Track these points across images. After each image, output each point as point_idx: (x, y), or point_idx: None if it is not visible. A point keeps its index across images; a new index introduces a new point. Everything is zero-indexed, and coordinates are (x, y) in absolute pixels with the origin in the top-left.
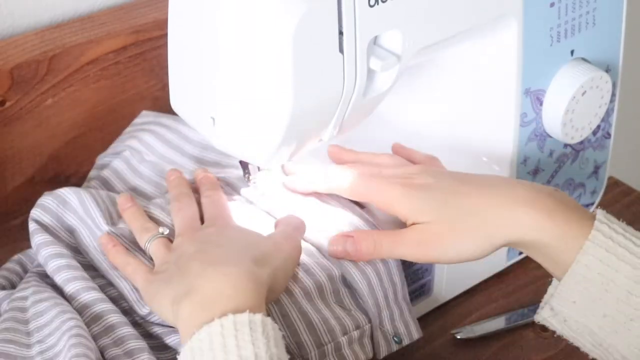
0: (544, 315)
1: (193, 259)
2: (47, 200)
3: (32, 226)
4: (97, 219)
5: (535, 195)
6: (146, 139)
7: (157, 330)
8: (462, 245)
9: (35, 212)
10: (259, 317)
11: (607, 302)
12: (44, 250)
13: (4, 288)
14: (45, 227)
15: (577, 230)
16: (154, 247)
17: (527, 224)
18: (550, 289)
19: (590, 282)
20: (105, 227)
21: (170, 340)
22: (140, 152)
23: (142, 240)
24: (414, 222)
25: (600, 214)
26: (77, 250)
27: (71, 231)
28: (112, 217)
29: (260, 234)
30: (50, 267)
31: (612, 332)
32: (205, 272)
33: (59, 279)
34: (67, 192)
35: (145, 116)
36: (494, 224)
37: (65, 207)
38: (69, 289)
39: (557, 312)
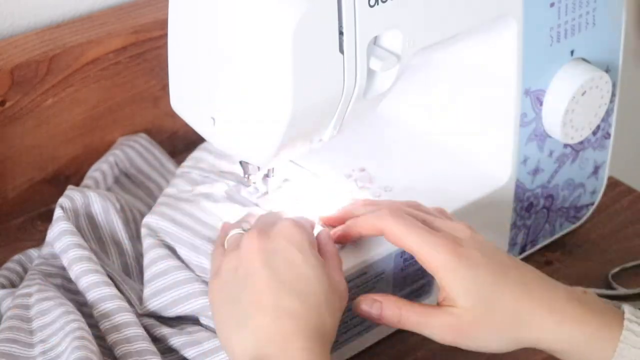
0: None
1: (259, 286)
2: (75, 195)
3: (57, 212)
4: (120, 232)
5: (565, 303)
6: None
7: (162, 331)
8: (491, 340)
9: (63, 200)
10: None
11: None
12: (65, 238)
13: (4, 287)
14: (69, 217)
15: (608, 334)
16: (231, 239)
17: (558, 333)
18: None
19: None
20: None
21: (174, 341)
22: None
23: (230, 232)
24: (451, 303)
25: (628, 311)
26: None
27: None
28: (130, 222)
29: (325, 268)
30: (70, 256)
31: None
32: (271, 319)
33: (76, 269)
34: (93, 196)
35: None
36: (526, 328)
37: (87, 209)
38: (83, 281)
39: None
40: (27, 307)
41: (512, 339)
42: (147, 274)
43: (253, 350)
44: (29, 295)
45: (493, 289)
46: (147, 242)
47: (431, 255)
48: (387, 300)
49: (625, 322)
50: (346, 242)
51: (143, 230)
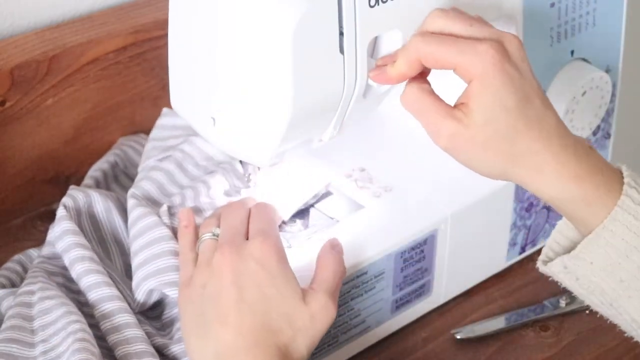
0: (554, 269)
1: (226, 305)
2: (78, 194)
3: (60, 212)
4: (122, 232)
5: (571, 156)
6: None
7: (157, 341)
8: (484, 162)
9: (66, 200)
10: None
11: (626, 267)
12: (68, 237)
13: (4, 287)
14: (71, 216)
15: (605, 195)
16: (203, 246)
17: (556, 183)
18: (556, 235)
19: (613, 247)
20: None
21: (173, 349)
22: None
23: (186, 237)
24: (465, 111)
25: (628, 176)
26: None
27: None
28: None
29: (295, 289)
30: (72, 256)
31: (626, 297)
32: (233, 336)
33: (77, 268)
34: (96, 196)
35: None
36: (523, 166)
37: (90, 208)
38: (84, 281)
39: (570, 270)
40: (29, 305)
41: (504, 170)
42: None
43: (212, 357)
44: (32, 293)
45: (511, 116)
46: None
47: (473, 63)
48: (414, 81)
49: (625, 187)
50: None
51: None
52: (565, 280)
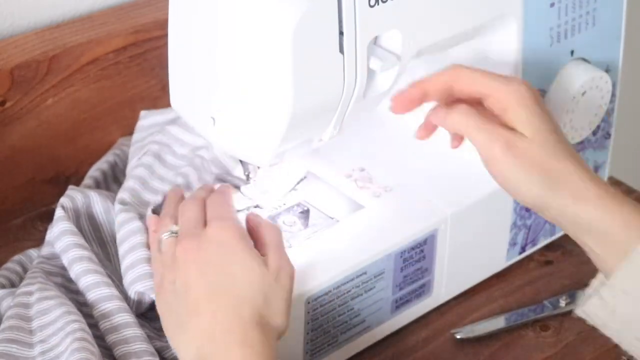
0: (592, 308)
1: (195, 296)
2: (76, 195)
3: (58, 212)
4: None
5: (602, 183)
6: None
7: (156, 343)
8: (528, 180)
9: (64, 200)
10: None
11: None
12: (66, 238)
13: (3, 287)
14: (69, 217)
15: (630, 232)
16: (164, 246)
17: (597, 205)
18: (595, 282)
19: None
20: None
21: (170, 353)
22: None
23: (155, 242)
24: (520, 129)
25: None
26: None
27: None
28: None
29: (257, 258)
30: (70, 256)
31: None
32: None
33: (76, 268)
34: (94, 196)
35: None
36: (567, 188)
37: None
38: (83, 281)
39: (606, 302)
40: (27, 306)
41: (543, 192)
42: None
43: (195, 351)
44: (30, 293)
45: (556, 137)
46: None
47: (509, 90)
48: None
49: None
50: (412, 107)
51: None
52: (602, 316)
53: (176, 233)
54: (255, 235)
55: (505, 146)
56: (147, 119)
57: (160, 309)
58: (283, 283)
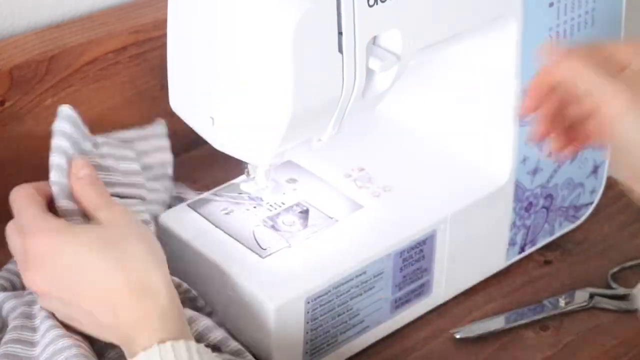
0: None
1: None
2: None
3: None
4: None
5: None
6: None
7: None
8: None
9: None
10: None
11: None
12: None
13: (4, 289)
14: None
15: None
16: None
17: None
18: None
19: None
20: None
21: None
22: None
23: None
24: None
25: None
26: None
27: None
28: None
29: (78, 231)
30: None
31: None
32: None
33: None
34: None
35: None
36: None
37: None
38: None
39: None
40: (31, 304)
41: None
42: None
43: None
44: (34, 302)
45: None
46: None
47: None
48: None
49: None
50: (540, 104)
51: None
52: None
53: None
54: (75, 193)
55: (631, 101)
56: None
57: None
58: (125, 230)
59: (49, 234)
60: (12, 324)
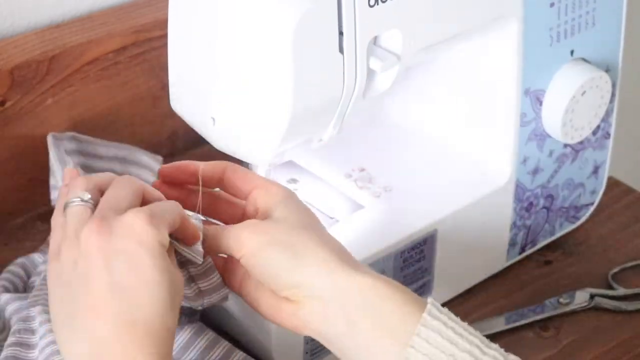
0: None
1: (97, 290)
2: None
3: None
4: None
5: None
6: None
7: None
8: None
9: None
10: None
11: None
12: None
13: (7, 291)
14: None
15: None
16: (69, 214)
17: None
18: None
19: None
20: None
21: None
22: None
23: (63, 199)
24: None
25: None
26: None
27: None
28: None
29: (168, 267)
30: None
31: None
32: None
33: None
34: None
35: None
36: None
37: None
38: None
39: None
40: (30, 307)
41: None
42: None
43: (89, 357)
44: (32, 318)
45: (302, 216)
46: None
47: (275, 185)
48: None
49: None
50: (181, 178)
51: None
52: None
53: (87, 203)
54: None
55: (252, 228)
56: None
57: (52, 284)
58: (181, 293)
59: (149, 231)
60: (14, 327)
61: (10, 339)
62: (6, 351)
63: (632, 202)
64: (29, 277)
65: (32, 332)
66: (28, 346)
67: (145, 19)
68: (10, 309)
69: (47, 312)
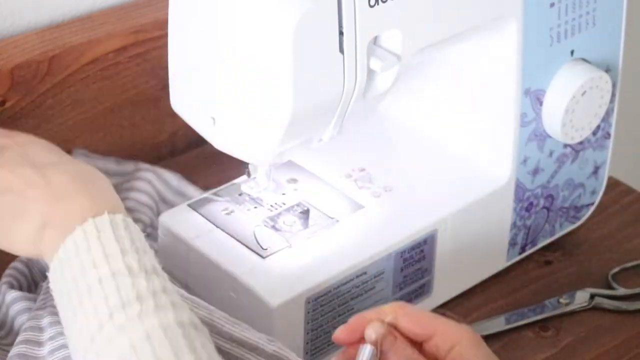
0: None
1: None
2: None
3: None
4: None
5: None
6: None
7: None
8: None
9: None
10: (119, 217)
11: None
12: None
13: (12, 287)
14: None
15: None
16: None
17: None
18: None
19: None
20: None
21: None
22: None
23: None
24: None
25: None
26: None
27: None
28: None
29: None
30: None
31: None
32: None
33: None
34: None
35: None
36: None
37: None
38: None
39: None
40: (40, 308)
41: None
42: None
43: (34, 230)
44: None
45: None
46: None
47: (458, 328)
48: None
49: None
50: (355, 337)
51: None
52: None
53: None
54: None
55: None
56: None
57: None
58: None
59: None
60: (25, 324)
61: (21, 337)
62: (17, 349)
63: (632, 202)
64: (32, 273)
65: (40, 330)
66: (36, 343)
67: (145, 19)
68: (16, 307)
69: (55, 313)
